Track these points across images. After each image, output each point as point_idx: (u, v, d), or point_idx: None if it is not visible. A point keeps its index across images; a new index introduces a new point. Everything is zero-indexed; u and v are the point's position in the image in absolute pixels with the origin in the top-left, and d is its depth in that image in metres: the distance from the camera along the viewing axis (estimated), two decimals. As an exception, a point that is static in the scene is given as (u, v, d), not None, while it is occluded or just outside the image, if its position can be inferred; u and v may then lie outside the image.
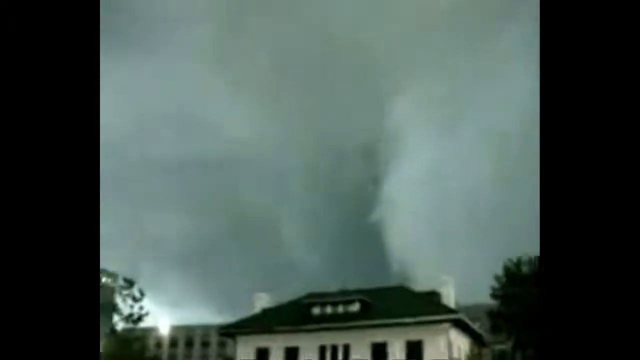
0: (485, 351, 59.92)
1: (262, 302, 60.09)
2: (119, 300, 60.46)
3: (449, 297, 55.06)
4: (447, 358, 47.55)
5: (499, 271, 57.51)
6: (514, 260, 57.51)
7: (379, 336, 50.51)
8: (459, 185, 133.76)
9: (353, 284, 57.44)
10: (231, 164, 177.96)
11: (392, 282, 60.69)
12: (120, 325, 60.09)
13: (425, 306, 52.21)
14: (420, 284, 60.18)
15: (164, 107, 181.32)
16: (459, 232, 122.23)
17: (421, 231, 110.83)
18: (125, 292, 59.42)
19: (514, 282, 56.79)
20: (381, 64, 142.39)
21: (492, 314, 58.68)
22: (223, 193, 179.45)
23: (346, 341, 51.46)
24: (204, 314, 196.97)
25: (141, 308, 59.29)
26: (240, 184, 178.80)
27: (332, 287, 58.56)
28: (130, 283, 59.75)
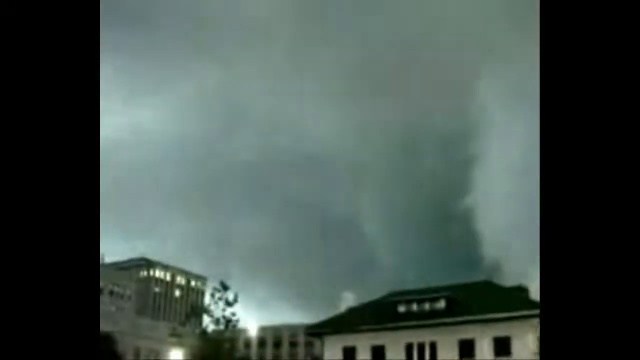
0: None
1: (347, 301, 60.21)
2: (211, 303, 61.55)
3: (538, 292, 54.04)
4: (536, 353, 46.70)
5: None
6: None
7: (466, 333, 50.06)
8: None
9: (440, 279, 57.10)
10: (311, 161, 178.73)
11: (481, 277, 59.89)
12: (210, 327, 61.12)
13: (513, 301, 51.38)
14: (511, 278, 59.21)
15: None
16: None
17: (513, 222, 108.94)
18: (218, 295, 60.47)
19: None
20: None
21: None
22: (305, 192, 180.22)
23: (433, 338, 51.18)
24: (291, 314, 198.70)
25: (233, 314, 60.27)
26: (321, 182, 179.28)
27: (418, 283, 58.40)
28: (224, 287, 60.83)
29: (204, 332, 58.32)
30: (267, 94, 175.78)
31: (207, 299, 63.11)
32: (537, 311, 48.94)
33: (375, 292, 61.48)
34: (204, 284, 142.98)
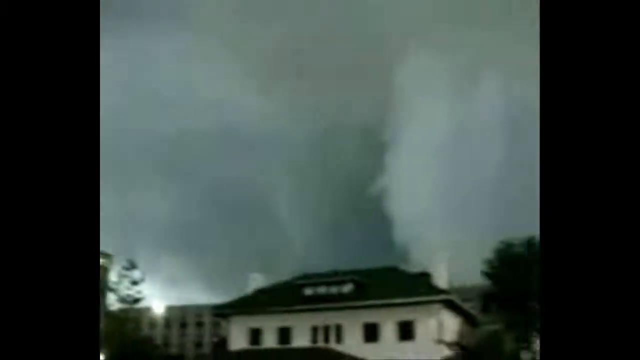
0: (477, 331, 60.28)
1: (255, 282, 60.30)
2: (117, 281, 60.69)
3: (442, 278, 55.31)
4: (438, 338, 47.88)
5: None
6: (507, 241, 57.80)
7: (371, 317, 50.81)
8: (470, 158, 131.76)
9: (351, 262, 57.75)
10: (225, 142, 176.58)
11: (392, 261, 60.81)
12: (115, 305, 60.28)
13: (417, 287, 52.49)
14: (419, 264, 60.37)
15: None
16: (462, 209, 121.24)
17: (426, 207, 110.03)
18: (124, 272, 59.68)
19: (505, 263, 57.08)
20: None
21: (483, 295, 59.02)
22: (217, 172, 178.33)
23: (338, 321, 51.76)
24: (198, 294, 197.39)
25: (139, 292, 59.51)
26: (234, 162, 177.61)
27: (327, 266, 59.02)
28: (132, 265, 60.05)
29: (107, 310, 57.56)
30: (185, 74, 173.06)
31: (113, 277, 62.12)
32: (439, 297, 50.27)
33: (284, 274, 61.75)
34: (110, 261, 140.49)
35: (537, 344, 56.20)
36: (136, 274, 58.32)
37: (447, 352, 47.48)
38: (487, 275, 57.94)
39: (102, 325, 52.77)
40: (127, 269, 58.12)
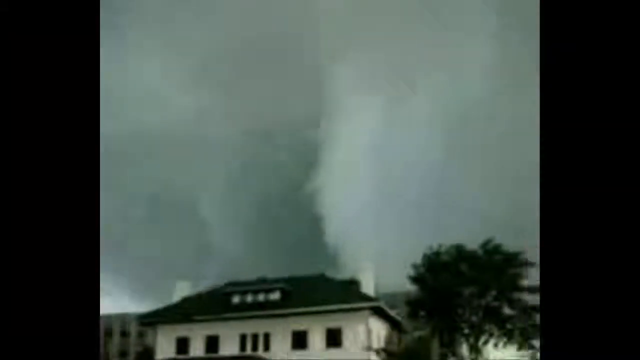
0: (404, 337, 60.94)
1: (182, 290, 59.72)
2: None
3: (369, 285, 55.74)
4: (366, 345, 48.19)
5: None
6: (434, 248, 58.67)
7: (299, 324, 50.90)
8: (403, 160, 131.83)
9: (280, 269, 57.66)
10: (155, 143, 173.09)
11: (322, 267, 60.90)
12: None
13: (345, 294, 52.82)
14: (347, 271, 60.72)
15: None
16: (393, 215, 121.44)
17: (358, 213, 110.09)
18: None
19: (431, 269, 57.90)
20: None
21: (410, 302, 59.71)
22: (147, 174, 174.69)
23: (267, 330, 51.68)
24: (122, 303, 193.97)
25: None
26: (165, 164, 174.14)
27: (256, 272, 58.85)
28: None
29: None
30: (123, 72, 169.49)
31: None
32: (367, 304, 50.62)
33: (213, 280, 61.37)
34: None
35: (462, 349, 57.23)
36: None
37: (375, 358, 47.79)
38: (414, 280, 58.67)
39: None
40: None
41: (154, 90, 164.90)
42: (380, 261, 66.14)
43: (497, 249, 57.69)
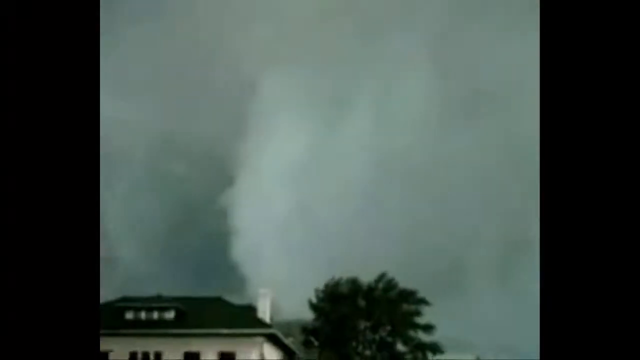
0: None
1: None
2: None
3: (266, 311, 55.58)
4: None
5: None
6: (335, 279, 59.10)
7: (192, 345, 50.22)
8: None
9: (181, 287, 56.69)
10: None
11: (223, 288, 60.23)
12: None
13: (241, 319, 52.52)
14: (246, 297, 60.29)
15: None
16: (300, 242, 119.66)
17: (268, 235, 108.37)
18: None
19: (329, 299, 58.28)
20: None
21: (305, 330, 59.86)
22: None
23: (159, 348, 50.70)
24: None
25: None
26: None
27: (153, 289, 57.94)
28: None
29: None
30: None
31: None
32: (262, 330, 50.48)
33: (109, 294, 59.94)
34: None
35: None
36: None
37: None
38: (313, 308, 58.90)
39: None
40: None
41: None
42: (282, 287, 65.87)
43: (390, 284, 58.55)
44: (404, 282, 59.02)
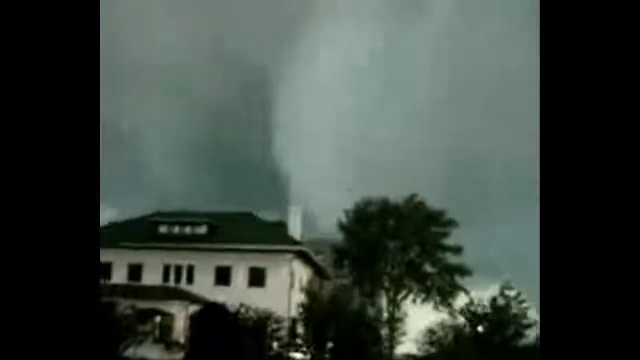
0: (327, 284, 61.83)
1: (108, 214, 59.29)
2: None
3: (296, 229, 56.23)
4: (288, 286, 48.81)
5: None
6: (365, 199, 59.29)
7: (223, 260, 51.14)
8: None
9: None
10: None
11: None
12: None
13: (272, 235, 53.24)
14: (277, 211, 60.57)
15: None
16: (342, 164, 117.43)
17: (304, 158, 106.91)
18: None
19: (359, 220, 58.63)
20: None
21: (336, 249, 60.45)
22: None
23: (191, 262, 51.77)
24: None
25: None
26: (107, 83, 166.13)
27: (190, 203, 58.67)
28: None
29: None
30: None
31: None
32: (293, 247, 51.17)
33: (144, 207, 60.79)
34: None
35: (382, 301, 58.41)
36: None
37: (296, 300, 48.44)
38: (342, 228, 59.36)
39: None
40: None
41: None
42: (315, 205, 66.30)
43: (420, 205, 58.53)
44: (435, 204, 59.03)
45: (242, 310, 41.28)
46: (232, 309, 40.47)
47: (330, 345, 45.34)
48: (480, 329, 53.21)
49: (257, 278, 50.11)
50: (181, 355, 40.33)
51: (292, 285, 49.67)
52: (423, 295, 57.71)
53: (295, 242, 53.01)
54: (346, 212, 59.35)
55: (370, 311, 55.56)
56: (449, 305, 56.74)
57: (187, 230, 54.07)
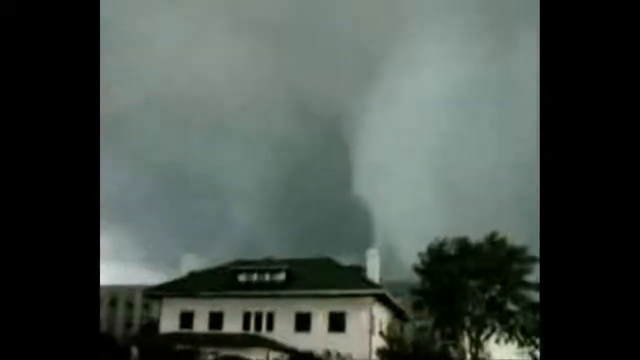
0: (407, 326, 61.30)
1: (189, 263, 60.30)
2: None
3: (374, 272, 56.06)
4: (368, 330, 48.54)
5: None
6: (440, 239, 58.94)
7: (303, 306, 51.23)
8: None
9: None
10: (177, 109, 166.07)
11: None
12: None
13: (350, 279, 53.13)
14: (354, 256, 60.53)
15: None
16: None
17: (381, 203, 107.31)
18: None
19: (436, 260, 58.15)
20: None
21: (414, 290, 60.01)
22: (165, 142, 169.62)
23: (270, 309, 52.08)
24: (136, 273, 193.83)
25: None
26: (184, 131, 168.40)
27: (271, 252, 59.26)
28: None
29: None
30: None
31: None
32: (371, 290, 50.94)
33: (224, 256, 61.75)
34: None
35: (464, 342, 57.49)
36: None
37: (377, 344, 48.13)
38: (418, 271, 58.98)
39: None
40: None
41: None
42: (391, 249, 66.08)
43: (501, 242, 57.69)
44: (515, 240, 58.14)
45: (325, 357, 41.27)
46: (315, 356, 40.46)
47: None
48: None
49: (337, 323, 49.97)
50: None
51: (372, 329, 49.35)
52: (506, 335, 56.52)
53: (374, 286, 52.78)
54: (420, 255, 59.02)
55: (453, 353, 54.76)
56: (533, 343, 55.39)
57: (266, 277, 54.49)
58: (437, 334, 56.92)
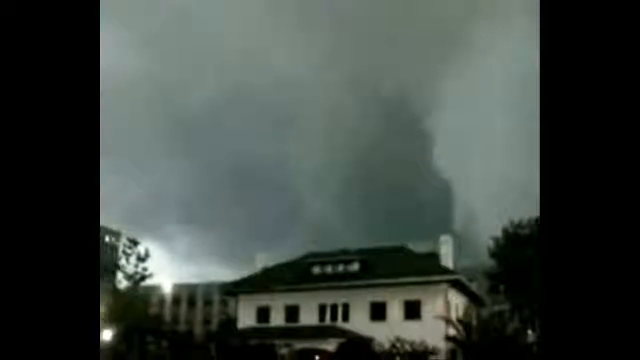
0: (483, 311, 60.70)
1: (263, 260, 60.87)
2: (122, 259, 60.68)
3: (448, 258, 55.62)
4: (445, 317, 48.21)
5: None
6: (514, 221, 58.14)
7: (378, 295, 51.23)
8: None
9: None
10: (244, 105, 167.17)
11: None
12: (123, 283, 60.43)
13: (424, 267, 52.86)
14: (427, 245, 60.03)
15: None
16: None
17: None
18: (129, 251, 59.48)
19: (511, 243, 57.39)
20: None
21: (490, 275, 59.40)
22: (235, 139, 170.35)
23: (345, 300, 52.21)
24: (214, 270, 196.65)
25: (145, 269, 59.39)
26: (255, 128, 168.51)
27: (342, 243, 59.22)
28: (134, 243, 59.87)
29: (115, 288, 57.79)
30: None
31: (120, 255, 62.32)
32: (446, 276, 50.59)
33: (296, 250, 62.20)
34: (118, 239, 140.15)
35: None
36: (141, 250, 58.24)
37: (453, 331, 47.79)
38: (493, 255, 58.32)
39: (111, 304, 53.28)
40: (130, 247, 58.12)
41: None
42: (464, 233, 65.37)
43: None
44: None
45: (398, 344, 41.20)
46: (387, 343, 40.45)
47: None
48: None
49: (412, 311, 49.82)
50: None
51: (448, 315, 48.99)
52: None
53: (449, 272, 52.36)
54: (494, 239, 58.33)
55: (530, 337, 53.92)
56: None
57: (340, 268, 54.61)
58: (516, 318, 56.13)
